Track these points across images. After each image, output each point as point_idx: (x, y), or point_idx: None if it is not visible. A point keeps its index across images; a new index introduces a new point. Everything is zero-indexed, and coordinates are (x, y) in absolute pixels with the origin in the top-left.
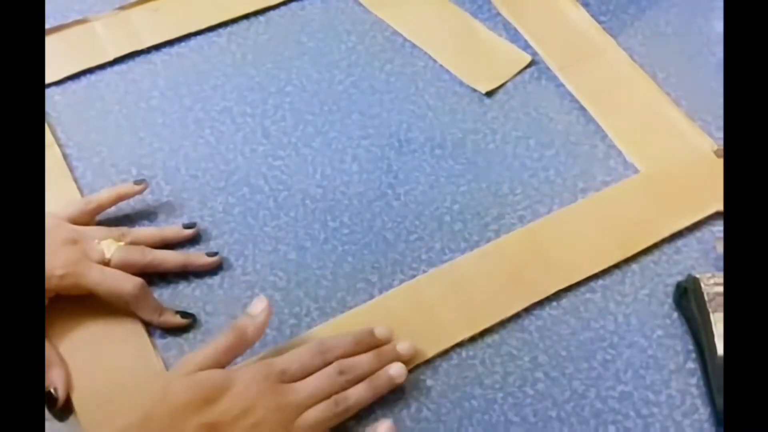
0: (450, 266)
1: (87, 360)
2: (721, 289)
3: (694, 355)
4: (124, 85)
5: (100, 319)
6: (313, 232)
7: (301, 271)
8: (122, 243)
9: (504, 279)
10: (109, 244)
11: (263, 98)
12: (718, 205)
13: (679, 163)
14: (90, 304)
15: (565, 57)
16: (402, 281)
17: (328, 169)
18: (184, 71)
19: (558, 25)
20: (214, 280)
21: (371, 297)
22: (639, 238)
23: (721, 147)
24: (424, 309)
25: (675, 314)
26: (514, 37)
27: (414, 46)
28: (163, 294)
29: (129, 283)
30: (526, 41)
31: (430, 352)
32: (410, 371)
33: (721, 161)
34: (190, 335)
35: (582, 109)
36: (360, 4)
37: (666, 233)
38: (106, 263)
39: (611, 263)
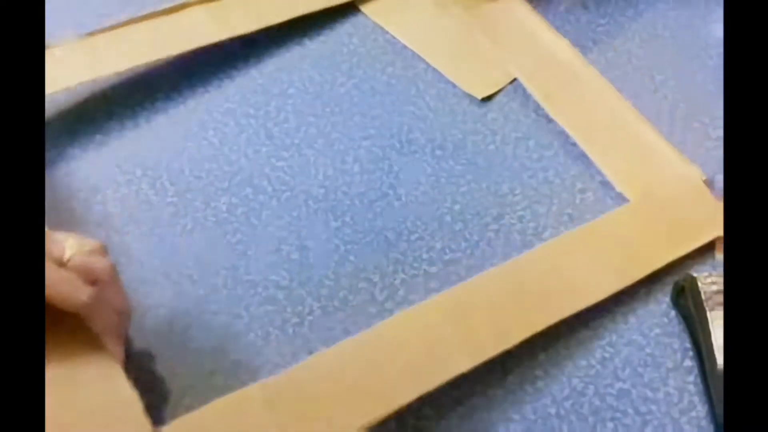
0: (450, 294)
1: (57, 396)
2: (717, 287)
3: (691, 353)
4: (128, 87)
5: (70, 351)
6: (316, 232)
7: (304, 271)
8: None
9: (498, 311)
10: (71, 245)
11: (266, 100)
12: (714, 233)
13: (670, 193)
14: (59, 334)
15: (548, 86)
16: (403, 280)
17: (330, 169)
18: (187, 72)
19: (541, 57)
20: (218, 280)
21: (372, 296)
22: (637, 266)
23: (709, 178)
24: (425, 338)
25: (673, 313)
26: None
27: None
28: (166, 294)
29: (84, 292)
30: None
31: (432, 385)
32: None
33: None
34: (193, 333)
35: None
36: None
37: (662, 263)
38: (64, 264)
39: (610, 293)
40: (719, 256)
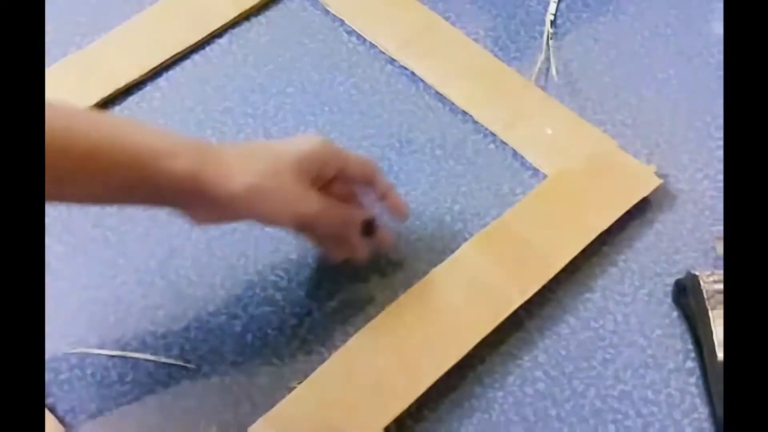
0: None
1: None
2: (719, 286)
3: (693, 355)
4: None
5: None
6: None
7: (302, 271)
8: None
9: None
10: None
11: (264, 99)
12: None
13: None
14: None
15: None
16: (402, 281)
17: None
18: (185, 72)
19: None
20: (216, 280)
21: (372, 297)
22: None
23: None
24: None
25: (674, 313)
26: None
27: None
28: (165, 294)
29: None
30: None
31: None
32: None
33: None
34: (191, 334)
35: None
36: None
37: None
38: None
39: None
40: (720, 252)
